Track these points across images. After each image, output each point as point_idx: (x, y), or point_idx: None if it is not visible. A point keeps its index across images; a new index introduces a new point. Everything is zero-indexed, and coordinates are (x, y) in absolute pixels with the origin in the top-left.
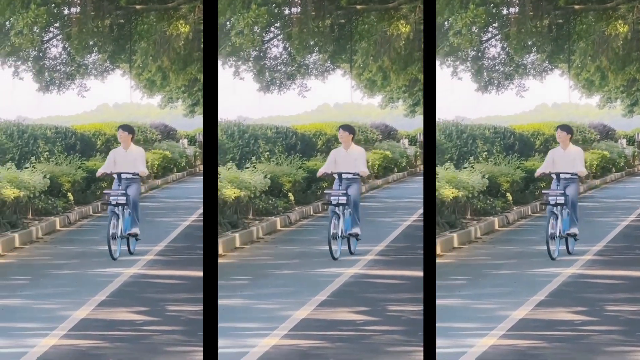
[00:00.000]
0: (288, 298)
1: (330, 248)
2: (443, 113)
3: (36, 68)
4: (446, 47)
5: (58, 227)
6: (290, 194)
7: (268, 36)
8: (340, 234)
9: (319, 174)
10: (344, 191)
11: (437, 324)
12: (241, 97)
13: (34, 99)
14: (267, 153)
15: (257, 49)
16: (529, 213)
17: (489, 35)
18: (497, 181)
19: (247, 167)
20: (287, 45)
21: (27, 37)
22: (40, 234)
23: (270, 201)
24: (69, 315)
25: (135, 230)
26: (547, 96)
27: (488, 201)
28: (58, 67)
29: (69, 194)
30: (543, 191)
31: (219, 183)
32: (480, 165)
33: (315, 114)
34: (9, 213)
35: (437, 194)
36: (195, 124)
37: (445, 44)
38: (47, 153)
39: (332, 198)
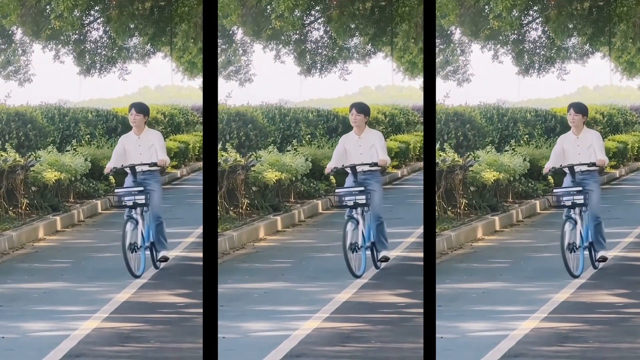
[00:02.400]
0: (330, 281)
1: (347, 262)
2: (484, 96)
3: (77, 51)
4: (487, 31)
5: (100, 210)
6: (332, 177)
7: (308, 19)
8: (361, 243)
9: (327, 170)
10: (362, 188)
11: (480, 307)
12: (282, 81)
13: (75, 83)
14: (309, 136)
15: (297, 32)
16: None
17: (530, 18)
18: (538, 164)
19: (289, 150)
20: (327, 29)
21: (67, 21)
22: (82, 217)
23: (311, 184)
24: (110, 298)
25: (164, 253)
26: (588, 79)
27: (530, 184)
28: (99, 51)
29: (111, 177)
30: (554, 190)
31: (260, 166)
32: (522, 148)
33: (356, 96)
34: (50, 196)
35: (478, 177)
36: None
37: (486, 28)
38: (88, 136)
39: (346, 199)
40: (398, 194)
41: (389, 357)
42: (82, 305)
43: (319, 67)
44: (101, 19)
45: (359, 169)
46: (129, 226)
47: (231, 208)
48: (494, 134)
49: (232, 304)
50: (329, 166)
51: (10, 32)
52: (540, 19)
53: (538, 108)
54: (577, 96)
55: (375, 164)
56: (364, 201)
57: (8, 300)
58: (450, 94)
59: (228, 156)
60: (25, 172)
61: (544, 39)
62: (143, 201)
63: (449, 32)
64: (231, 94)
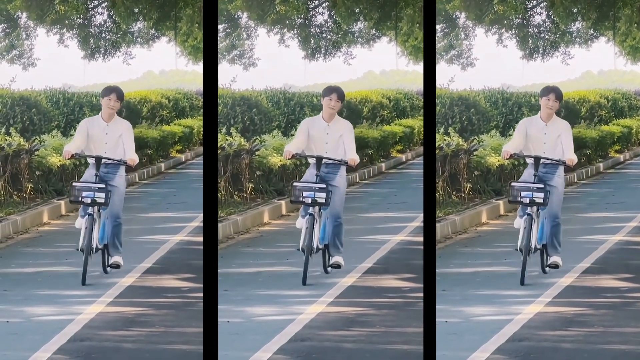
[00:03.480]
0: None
1: (306, 267)
2: (488, 81)
3: (81, 36)
4: (491, 15)
5: None
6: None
7: (313, 3)
8: (316, 245)
9: (286, 154)
10: (323, 185)
11: (484, 291)
12: (287, 65)
13: (80, 67)
14: None
15: (302, 16)
16: (575, 180)
17: (534, 2)
18: None
19: (293, 135)
20: (332, 13)
21: (72, 5)
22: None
23: None
24: (115, 282)
25: (117, 259)
26: (592, 63)
27: None
28: (103, 35)
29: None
30: (512, 183)
31: (264, 150)
32: None
33: (360, 81)
34: (55, 180)
35: (482, 161)
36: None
37: (491, 12)
38: None
39: (305, 194)
40: (402, 179)
41: (393, 341)
42: (86, 289)
43: (323, 52)
44: (105, 3)
45: (325, 161)
46: (87, 225)
47: (236, 192)
48: (498, 119)
49: (236, 288)
50: (289, 150)
51: (15, 16)
52: (544, 3)
53: None
54: (582, 81)
55: (345, 163)
56: (323, 200)
57: (13, 284)
58: (455, 79)
59: (232, 140)
60: (30, 156)
61: (548, 23)
62: (103, 200)
63: (453, 16)
64: (236, 79)
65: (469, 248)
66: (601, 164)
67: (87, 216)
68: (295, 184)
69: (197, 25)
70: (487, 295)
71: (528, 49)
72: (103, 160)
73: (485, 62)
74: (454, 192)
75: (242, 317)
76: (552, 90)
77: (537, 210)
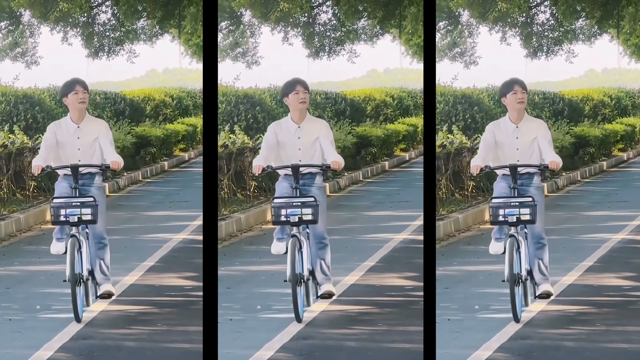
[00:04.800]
0: (337, 264)
1: (295, 299)
2: (492, 79)
3: (85, 34)
4: (495, 13)
5: (107, 193)
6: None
7: (317, 2)
8: (306, 273)
9: (256, 170)
10: (311, 199)
11: (487, 289)
12: (290, 63)
13: (83, 65)
14: None
15: (306, 14)
16: (578, 179)
17: (538, 0)
18: None
19: None
20: (336, 11)
21: (75, 3)
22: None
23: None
24: (118, 280)
25: (107, 287)
26: (596, 62)
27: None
28: (107, 33)
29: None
30: (493, 200)
31: None
32: None
33: (364, 79)
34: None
35: None
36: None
37: (494, 10)
38: None
39: (289, 212)
40: (405, 177)
41: (395, 339)
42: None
43: (327, 50)
44: (109, 1)
45: (302, 170)
46: (73, 250)
47: (239, 190)
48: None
49: (239, 285)
50: (257, 163)
51: (18, 13)
52: (548, 1)
53: (546, 90)
54: (585, 79)
55: (327, 167)
56: (310, 217)
57: (16, 282)
58: (459, 76)
59: (236, 138)
60: (33, 154)
61: (552, 21)
62: (90, 217)
63: (457, 13)
64: (239, 76)
65: (472, 246)
66: (604, 163)
67: (70, 239)
68: (275, 201)
69: (201, 23)
70: (489, 294)
71: (532, 47)
72: (81, 169)
73: (489, 60)
74: (457, 190)
75: (245, 315)
76: (514, 82)
77: (522, 230)
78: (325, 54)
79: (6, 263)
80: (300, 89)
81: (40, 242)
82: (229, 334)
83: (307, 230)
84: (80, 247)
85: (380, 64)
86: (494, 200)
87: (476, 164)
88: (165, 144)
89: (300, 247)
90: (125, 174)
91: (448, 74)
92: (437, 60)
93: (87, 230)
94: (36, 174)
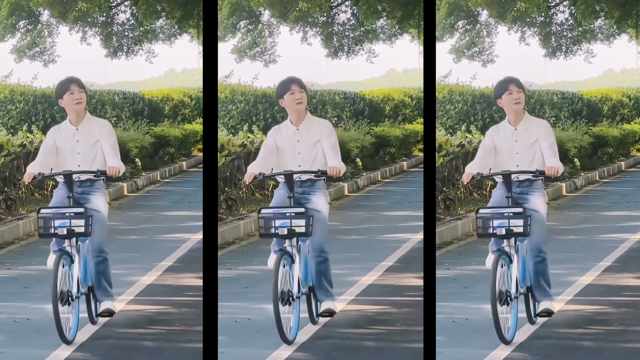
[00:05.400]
0: (355, 263)
1: (278, 319)
2: None
3: (104, 33)
4: (514, 12)
5: (126, 193)
6: (358, 160)
7: (336, 1)
8: (297, 291)
9: (248, 177)
10: (301, 209)
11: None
12: (309, 63)
13: (102, 65)
14: (335, 118)
15: (324, 14)
16: (597, 179)
17: (557, 0)
18: (564, 147)
19: None
20: (355, 11)
21: (94, 2)
22: (108, 199)
23: None
24: (136, 280)
25: (108, 304)
26: (615, 62)
27: None
28: (126, 33)
29: (137, 160)
30: (480, 210)
31: None
32: None
33: (383, 79)
34: None
35: None
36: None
37: (513, 9)
38: (114, 119)
39: (277, 224)
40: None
41: (413, 339)
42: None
43: (345, 50)
44: (128, 1)
45: (296, 177)
46: (63, 266)
47: (257, 190)
48: None
49: (257, 285)
50: (251, 170)
51: (37, 13)
52: (567, 1)
53: (565, 90)
54: (604, 79)
55: (324, 173)
56: (303, 229)
57: (34, 282)
58: (477, 76)
59: (254, 138)
60: None
61: (571, 21)
62: (83, 229)
63: (475, 13)
64: (258, 76)
65: None
66: (623, 163)
67: (57, 253)
68: (263, 210)
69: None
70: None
71: (550, 47)
72: (75, 176)
73: (508, 60)
74: (475, 190)
75: (263, 314)
76: (509, 82)
77: (516, 244)
78: (344, 53)
79: (24, 262)
80: (296, 88)
81: None
82: (247, 333)
83: (307, 242)
84: (72, 262)
85: (399, 64)
86: (481, 211)
87: (469, 171)
88: (184, 144)
89: (292, 262)
90: (143, 174)
91: (466, 73)
92: (455, 60)
93: (87, 243)
94: (27, 182)
